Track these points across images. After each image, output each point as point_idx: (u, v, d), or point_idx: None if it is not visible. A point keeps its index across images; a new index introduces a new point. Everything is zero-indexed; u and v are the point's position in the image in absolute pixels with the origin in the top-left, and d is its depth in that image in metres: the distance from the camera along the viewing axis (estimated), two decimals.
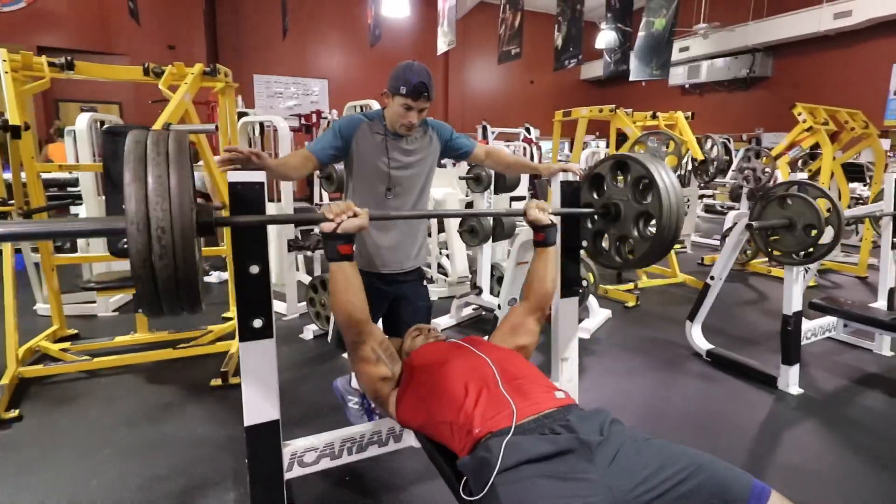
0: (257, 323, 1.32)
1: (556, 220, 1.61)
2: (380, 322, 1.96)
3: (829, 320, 2.89)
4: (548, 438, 1.02)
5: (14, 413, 2.23)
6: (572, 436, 1.02)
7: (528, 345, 1.53)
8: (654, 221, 1.58)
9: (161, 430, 2.18)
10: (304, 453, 1.50)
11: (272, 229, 3.59)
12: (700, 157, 3.96)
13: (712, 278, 2.93)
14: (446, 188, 4.33)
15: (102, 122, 3.62)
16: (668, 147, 3.72)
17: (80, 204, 3.51)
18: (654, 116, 4.38)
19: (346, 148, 1.73)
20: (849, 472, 1.97)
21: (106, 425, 2.21)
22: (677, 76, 11.29)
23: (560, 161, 3.51)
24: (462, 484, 1.04)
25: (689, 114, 4.36)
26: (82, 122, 3.31)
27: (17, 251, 2.93)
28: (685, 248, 6.06)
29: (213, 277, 4.60)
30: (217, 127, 2.47)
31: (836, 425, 2.30)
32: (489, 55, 11.51)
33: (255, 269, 1.31)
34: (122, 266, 3.08)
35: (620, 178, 1.73)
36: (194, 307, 1.04)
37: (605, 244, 1.78)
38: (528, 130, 10.40)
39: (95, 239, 3.31)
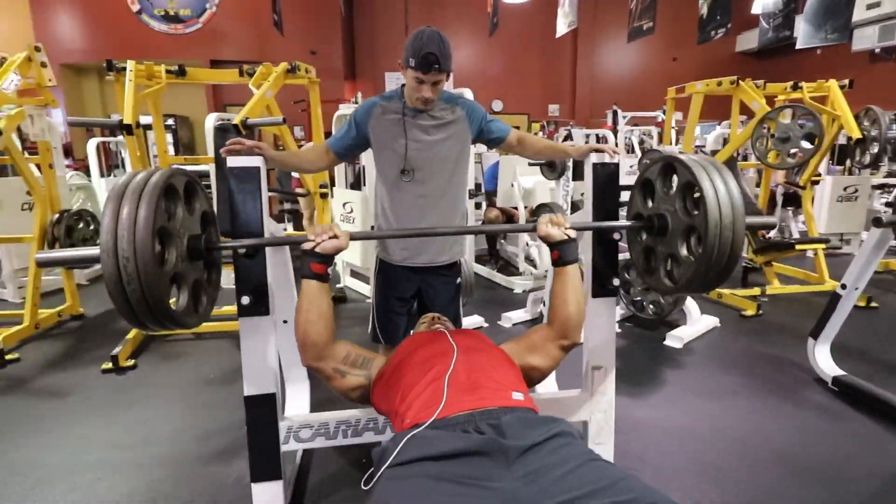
0: (244, 300, 1.40)
1: (574, 233, 1.37)
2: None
3: None
4: (464, 436, 0.91)
5: (132, 362, 2.70)
6: (493, 437, 0.89)
7: (543, 367, 1.35)
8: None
9: (230, 390, 2.45)
10: (300, 429, 1.54)
11: (358, 213, 3.80)
12: (857, 134, 3.14)
13: (844, 287, 2.32)
14: (536, 176, 4.12)
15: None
16: (807, 125, 3.04)
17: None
18: (795, 87, 3.60)
19: (364, 135, 1.69)
20: None
21: (190, 381, 2.56)
22: (864, 39, 9.18)
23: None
24: (368, 472, 0.97)
25: (846, 82, 3.49)
26: (209, 121, 3.84)
27: None
28: (840, 248, 4.92)
29: None
30: (284, 119, 2.67)
31: None
32: (622, 33, 10.66)
33: (242, 249, 1.38)
34: None
35: (673, 185, 1.40)
36: (171, 325, 1.14)
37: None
38: (664, 113, 9.41)
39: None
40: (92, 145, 5.69)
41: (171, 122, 9.16)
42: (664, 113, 9.41)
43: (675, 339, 2.95)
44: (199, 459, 1.91)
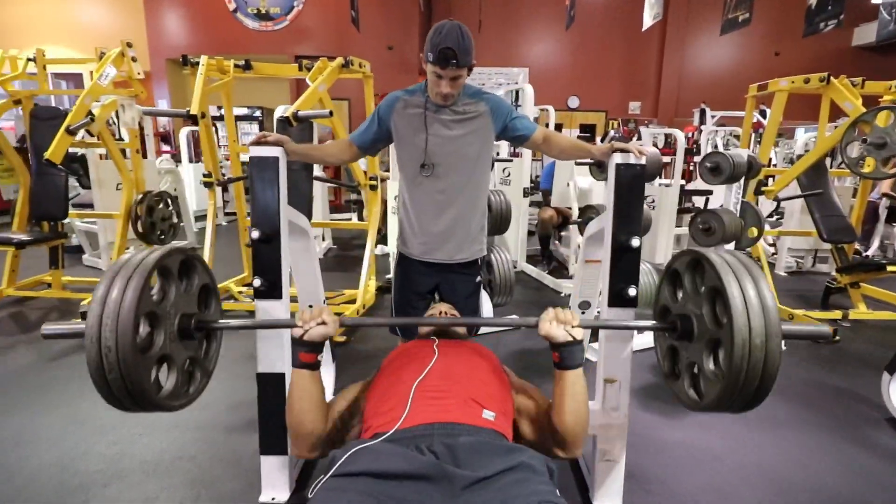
0: (256, 282, 1.48)
1: (581, 333, 1.20)
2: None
3: None
4: (413, 457, 0.88)
5: None
6: (441, 464, 0.86)
7: (530, 440, 1.22)
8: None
9: None
10: None
11: None
12: None
13: None
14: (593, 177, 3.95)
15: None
16: None
17: None
18: None
19: (387, 129, 1.71)
20: None
21: (239, 355, 2.74)
22: None
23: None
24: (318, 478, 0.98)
25: None
26: (278, 112, 4.08)
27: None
28: None
29: (377, 250, 5.17)
30: (331, 112, 2.76)
31: None
32: (715, 26, 9.88)
33: (255, 234, 1.46)
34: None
35: (701, 283, 1.27)
36: (155, 410, 1.16)
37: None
38: (762, 114, 8.61)
39: None
40: (183, 133, 6.27)
41: (258, 113, 9.81)
42: (762, 115, 8.67)
43: None
44: (227, 428, 2.06)
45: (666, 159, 4.66)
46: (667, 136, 5.99)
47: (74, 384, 2.38)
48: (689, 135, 7.19)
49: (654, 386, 2.51)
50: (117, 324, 1.03)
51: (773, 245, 5.11)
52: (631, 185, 1.48)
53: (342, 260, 5.20)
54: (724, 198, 2.91)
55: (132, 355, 1.04)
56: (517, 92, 4.53)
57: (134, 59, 3.38)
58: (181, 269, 1.26)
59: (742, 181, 2.85)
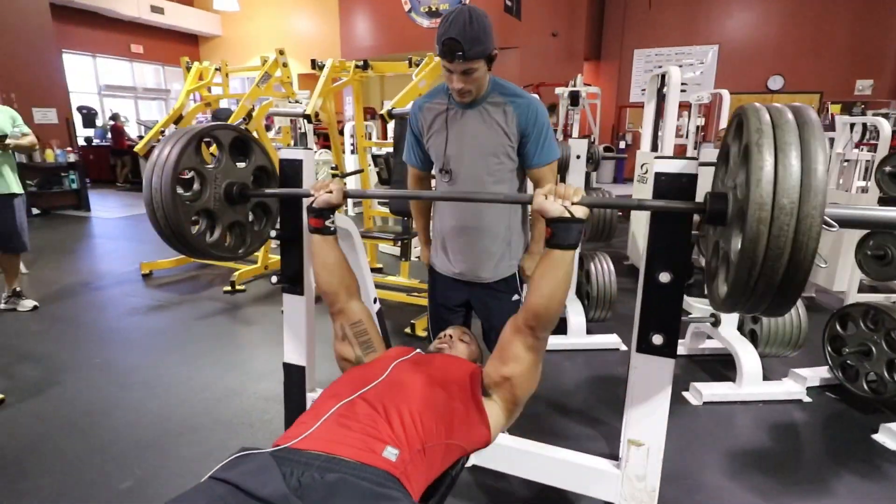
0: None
1: (582, 212, 1.08)
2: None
3: None
4: (276, 480, 0.84)
5: None
6: (289, 496, 0.81)
7: (514, 376, 1.14)
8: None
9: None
10: None
11: None
12: None
13: None
14: None
15: None
16: None
17: None
18: None
19: (424, 140, 1.61)
20: None
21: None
22: None
23: None
24: None
25: None
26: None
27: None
28: None
29: None
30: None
31: None
32: None
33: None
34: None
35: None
36: (194, 253, 1.40)
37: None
38: None
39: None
40: (348, 128, 7.02)
41: None
42: None
43: None
44: None
45: (867, 156, 3.55)
46: (864, 126, 4.38)
47: (201, 344, 2.87)
48: None
49: (775, 453, 1.97)
50: (163, 170, 1.25)
51: None
52: (675, 187, 1.16)
53: None
54: None
55: (171, 197, 1.25)
56: (663, 76, 3.91)
57: (285, 65, 3.87)
58: (234, 144, 1.43)
59: None
